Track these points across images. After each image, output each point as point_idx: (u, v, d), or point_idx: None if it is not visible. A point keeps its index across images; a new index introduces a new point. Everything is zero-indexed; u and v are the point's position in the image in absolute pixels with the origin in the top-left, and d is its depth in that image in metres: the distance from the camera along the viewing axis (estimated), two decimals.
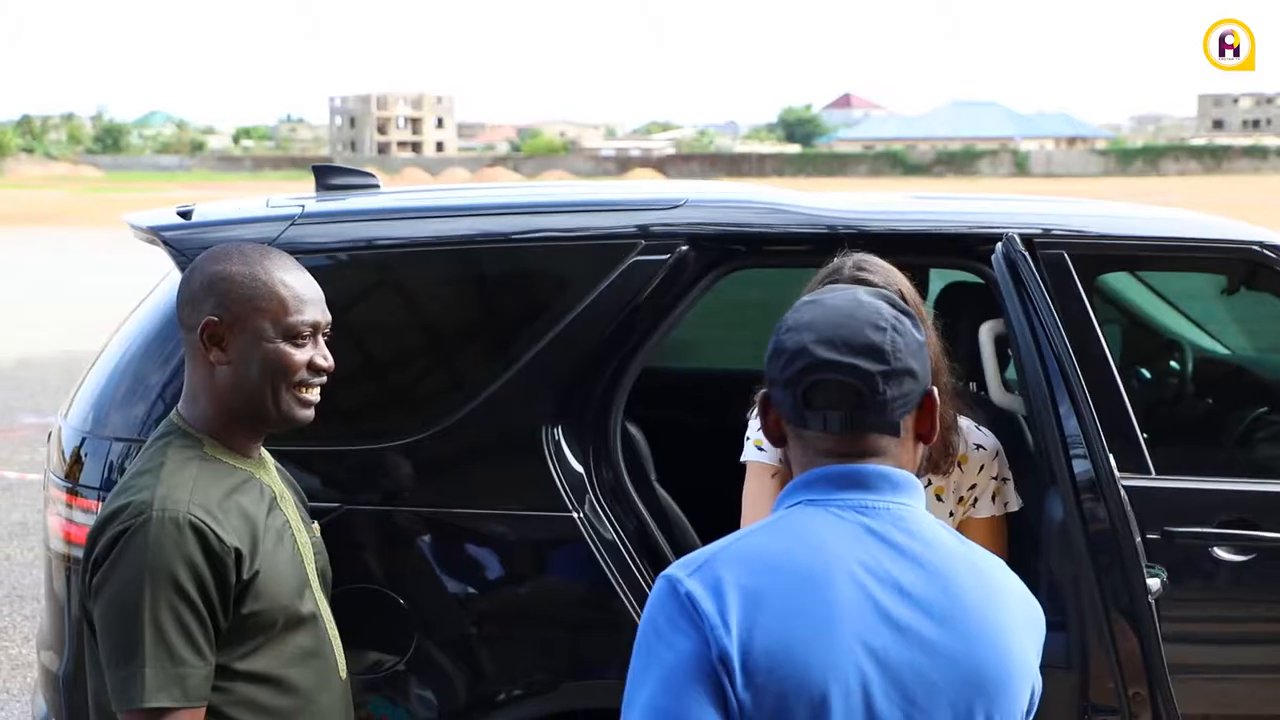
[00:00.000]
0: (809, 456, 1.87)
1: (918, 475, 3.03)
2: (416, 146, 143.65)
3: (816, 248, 3.34)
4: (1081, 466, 3.03)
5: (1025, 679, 1.82)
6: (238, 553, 2.29)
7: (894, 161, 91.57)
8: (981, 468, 3.11)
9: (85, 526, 3.32)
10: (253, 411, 2.42)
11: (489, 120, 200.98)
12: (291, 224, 3.42)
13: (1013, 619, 1.83)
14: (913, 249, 3.63)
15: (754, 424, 3.08)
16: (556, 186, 4.97)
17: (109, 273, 25.12)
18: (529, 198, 4.10)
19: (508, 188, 5.01)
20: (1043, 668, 3.13)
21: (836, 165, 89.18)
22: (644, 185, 5.02)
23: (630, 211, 3.61)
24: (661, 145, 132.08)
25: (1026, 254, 3.19)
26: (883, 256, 3.28)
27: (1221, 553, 3.31)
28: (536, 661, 3.38)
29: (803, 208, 3.59)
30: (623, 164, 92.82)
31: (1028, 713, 1.86)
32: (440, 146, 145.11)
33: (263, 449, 2.54)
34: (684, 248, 3.41)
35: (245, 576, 2.30)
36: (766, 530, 1.83)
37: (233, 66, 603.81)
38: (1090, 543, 3.01)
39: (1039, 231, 3.45)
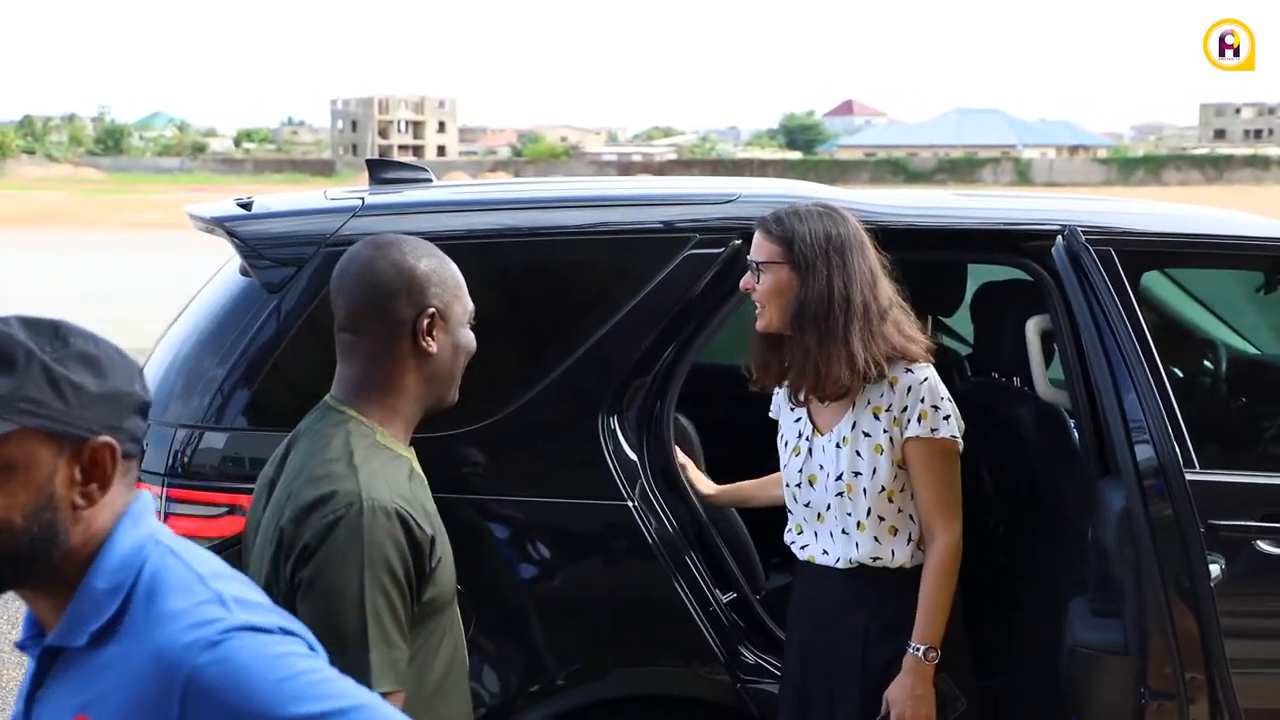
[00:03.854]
0: (125, 488, 1.66)
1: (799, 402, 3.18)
2: (418, 150, 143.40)
3: None
4: (1145, 454, 3.08)
5: None
6: (431, 540, 2.31)
7: (895, 169, 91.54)
8: (910, 389, 3.14)
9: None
10: (440, 396, 2.43)
11: (490, 124, 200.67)
12: (353, 216, 3.46)
13: None
14: (961, 245, 3.69)
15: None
16: (609, 181, 5.00)
17: (113, 273, 25.18)
18: (584, 192, 4.15)
19: (563, 182, 5.06)
20: (1099, 653, 3.20)
21: (838, 172, 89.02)
22: (695, 181, 5.08)
23: (685, 205, 3.67)
24: (663, 150, 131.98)
25: (1090, 247, 3.25)
26: (931, 253, 3.33)
27: (1265, 545, 3.36)
28: (589, 648, 3.43)
29: (851, 203, 3.64)
30: (624, 169, 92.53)
31: None
32: (442, 150, 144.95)
33: None
34: (737, 241, 3.47)
35: (433, 564, 2.31)
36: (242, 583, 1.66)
37: (235, 69, 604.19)
38: (1154, 528, 3.06)
39: (1088, 228, 3.50)
